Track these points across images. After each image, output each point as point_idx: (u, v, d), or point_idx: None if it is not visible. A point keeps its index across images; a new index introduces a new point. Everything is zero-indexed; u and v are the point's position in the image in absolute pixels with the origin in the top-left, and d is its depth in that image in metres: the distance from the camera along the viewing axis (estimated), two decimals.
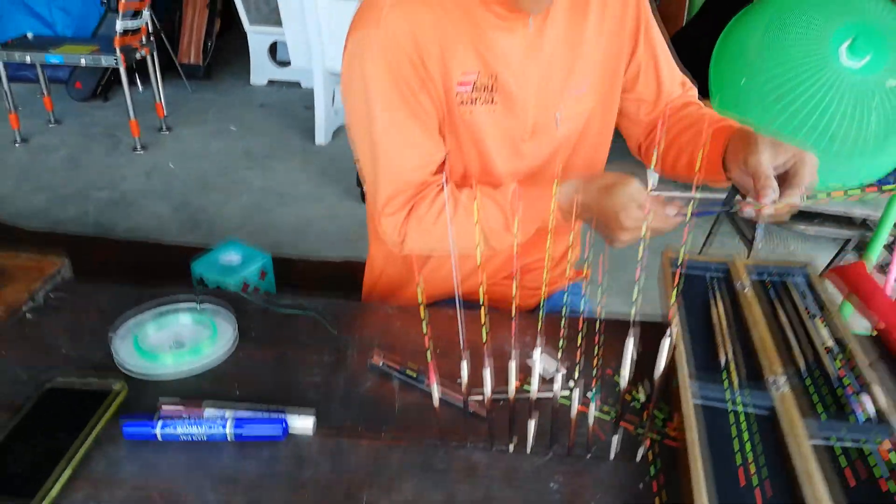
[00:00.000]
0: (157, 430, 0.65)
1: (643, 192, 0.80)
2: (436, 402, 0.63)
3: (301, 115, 4.00)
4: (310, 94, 4.06)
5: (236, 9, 4.29)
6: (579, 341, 0.63)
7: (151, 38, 3.47)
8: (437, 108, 0.88)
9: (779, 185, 0.75)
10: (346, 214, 2.96)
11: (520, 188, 0.88)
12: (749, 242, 2.30)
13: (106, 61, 3.24)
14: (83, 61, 3.24)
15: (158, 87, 3.59)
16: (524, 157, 0.95)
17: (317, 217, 2.92)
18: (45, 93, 3.59)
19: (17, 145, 3.42)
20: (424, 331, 0.60)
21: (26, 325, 0.84)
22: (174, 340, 0.80)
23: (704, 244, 2.55)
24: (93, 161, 3.30)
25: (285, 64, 4.48)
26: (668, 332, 0.59)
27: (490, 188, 0.91)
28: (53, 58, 3.23)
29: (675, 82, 1.04)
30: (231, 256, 1.40)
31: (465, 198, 0.90)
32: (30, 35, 3.49)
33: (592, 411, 0.63)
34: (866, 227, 2.42)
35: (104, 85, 4.02)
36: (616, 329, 0.76)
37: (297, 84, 4.48)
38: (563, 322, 0.62)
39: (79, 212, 2.82)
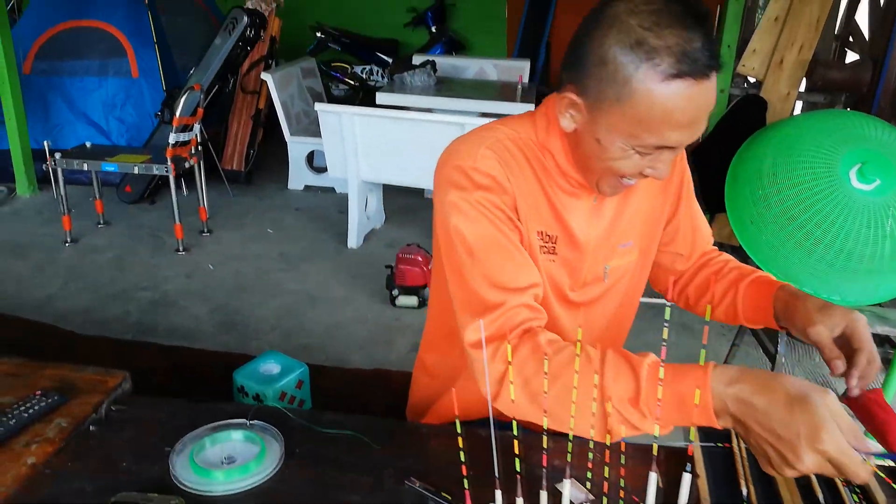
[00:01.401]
0: None
1: (845, 413, 0.68)
2: None
3: (334, 218, 4.18)
4: (343, 199, 4.26)
5: (278, 120, 4.60)
6: (606, 472, 0.68)
7: (199, 149, 3.72)
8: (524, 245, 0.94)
9: (840, 347, 0.86)
10: (374, 317, 3.04)
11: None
12: (772, 356, 2.31)
13: (157, 170, 3.48)
14: (136, 169, 3.48)
15: (202, 192, 3.81)
16: (571, 304, 1.03)
17: (346, 320, 3.01)
18: (98, 196, 3.83)
19: (66, 245, 3.62)
20: (462, 459, 0.66)
21: (90, 437, 0.91)
22: (226, 456, 0.87)
23: (727, 357, 2.57)
24: (137, 261, 3.47)
25: (321, 170, 4.74)
26: (688, 467, 0.65)
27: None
28: (109, 166, 3.48)
29: (709, 238, 1.18)
30: (270, 367, 1.48)
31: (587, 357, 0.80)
32: (88, 144, 3.77)
33: None
34: (890, 342, 2.43)
35: (152, 189, 4.28)
36: (641, 456, 0.81)
37: (332, 189, 4.70)
38: (590, 455, 0.68)
39: (121, 311, 2.95)
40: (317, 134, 4.67)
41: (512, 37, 7.40)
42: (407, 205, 4.39)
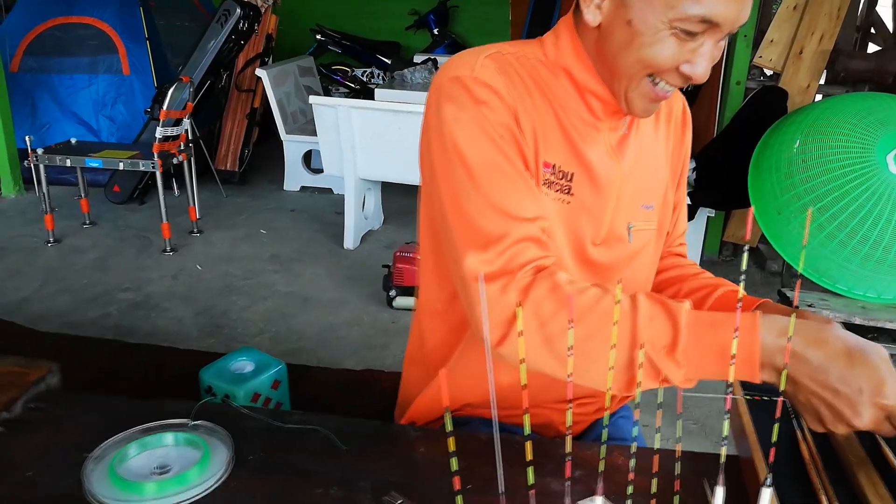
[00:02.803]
0: None
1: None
2: None
3: (331, 219, 4.01)
4: (341, 200, 4.09)
5: (274, 119, 4.44)
6: (654, 486, 0.49)
7: (190, 145, 3.56)
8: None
9: None
10: (370, 320, 2.86)
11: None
12: None
13: (144, 166, 3.31)
14: (121, 165, 3.31)
15: (193, 192, 3.65)
16: (590, 263, 0.87)
17: (340, 323, 2.83)
18: (83, 195, 3.67)
19: (49, 245, 3.45)
20: (454, 467, 0.48)
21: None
22: (158, 465, 0.69)
23: None
24: (121, 262, 3.29)
25: (318, 171, 4.57)
26: (766, 480, 0.46)
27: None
28: (93, 161, 3.31)
29: (685, 226, 1.06)
30: (243, 364, 1.29)
31: (609, 299, 0.70)
32: (73, 140, 3.61)
33: None
34: None
35: (142, 189, 4.11)
36: (674, 462, 0.62)
37: (329, 190, 4.54)
38: (631, 465, 0.49)
39: (100, 314, 2.77)
40: (314, 133, 4.51)
41: (516, 39, 7.27)
42: (407, 206, 4.21)
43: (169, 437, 0.71)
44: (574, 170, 0.83)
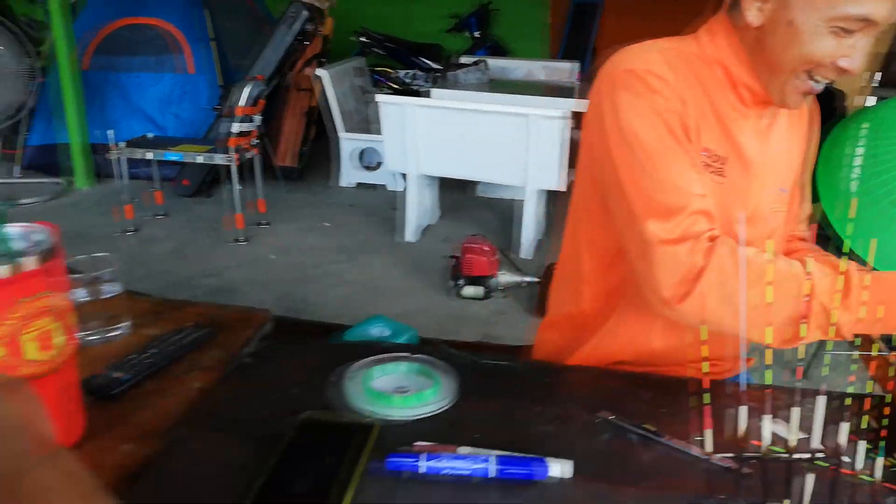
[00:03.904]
0: (422, 464, 0.65)
1: None
2: (708, 447, 0.62)
3: (387, 214, 4.15)
4: (393, 196, 4.24)
5: (331, 118, 4.60)
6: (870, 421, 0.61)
7: (260, 140, 3.73)
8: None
9: None
10: (438, 309, 2.99)
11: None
12: None
13: (219, 159, 3.48)
14: (200, 159, 3.49)
15: (260, 184, 3.81)
16: (735, 239, 0.98)
17: (411, 310, 2.95)
18: (158, 187, 3.84)
19: (127, 234, 3.63)
20: (706, 394, 0.60)
21: (248, 367, 0.87)
22: (396, 386, 0.82)
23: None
24: (198, 251, 3.46)
25: (372, 168, 4.72)
26: None
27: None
28: (172, 155, 3.49)
29: (809, 209, 1.15)
30: (381, 329, 1.42)
31: (783, 261, 0.81)
32: (149, 135, 3.80)
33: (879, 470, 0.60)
34: None
35: (207, 183, 4.29)
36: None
37: (383, 186, 4.68)
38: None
39: (188, 297, 2.93)
40: (368, 131, 4.67)
41: (555, 42, 7.37)
42: (459, 201, 4.34)
43: (403, 366, 0.84)
44: (727, 154, 0.93)
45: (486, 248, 3.02)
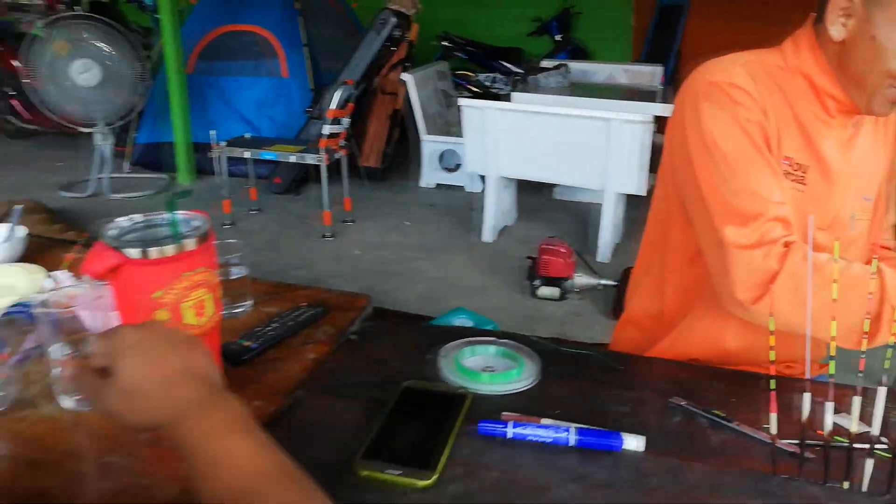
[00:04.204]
0: (509, 430, 0.74)
1: None
2: (773, 428, 0.68)
3: (465, 215, 4.25)
4: (473, 197, 4.35)
5: (413, 121, 4.75)
6: None
7: (348, 142, 3.91)
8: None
9: None
10: (515, 307, 3.07)
11: None
12: None
13: (310, 159, 3.68)
14: (293, 158, 3.70)
15: (346, 184, 4.00)
16: (814, 246, 1.01)
17: (488, 308, 3.03)
18: (252, 184, 4.10)
19: (224, 227, 3.89)
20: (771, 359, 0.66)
21: (355, 343, 0.98)
22: (486, 366, 0.91)
23: None
24: (289, 244, 3.68)
25: (451, 170, 4.85)
26: None
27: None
28: (268, 154, 3.72)
29: (894, 217, 1.15)
30: (464, 321, 1.52)
31: (858, 267, 0.86)
32: (247, 136, 4.06)
33: None
34: None
35: (297, 181, 4.53)
36: None
37: (461, 188, 4.79)
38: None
39: None
40: (449, 134, 4.79)
41: (638, 45, 7.28)
42: (536, 204, 4.40)
43: (491, 348, 0.94)
44: (809, 162, 0.97)
45: (563, 250, 3.07)
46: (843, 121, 0.98)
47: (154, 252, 0.71)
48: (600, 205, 3.56)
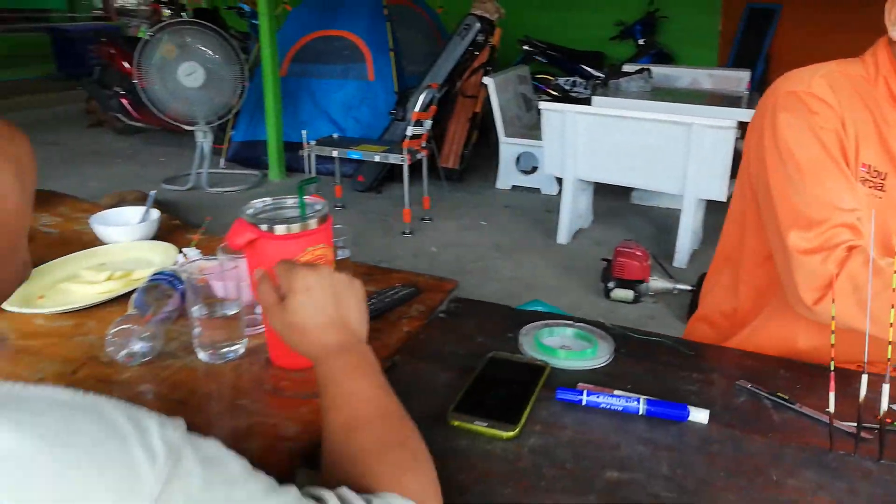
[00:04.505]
0: (584, 397, 0.82)
1: None
2: (831, 406, 0.74)
3: (541, 217, 4.32)
4: (549, 199, 4.40)
5: (492, 123, 4.86)
6: None
7: (430, 143, 4.06)
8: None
9: None
10: (589, 308, 3.11)
11: None
12: None
13: (393, 159, 3.85)
14: (377, 158, 3.88)
15: (426, 183, 4.14)
16: (892, 252, 1.03)
17: (561, 307, 3.09)
18: (338, 182, 4.31)
19: None
20: (832, 343, 0.72)
21: (444, 321, 1.09)
22: (563, 345, 1.00)
23: None
24: (371, 240, 3.86)
25: (528, 172, 4.92)
26: None
27: None
28: (354, 154, 3.91)
29: None
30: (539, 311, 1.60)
31: None
32: (335, 136, 4.27)
33: None
34: None
35: (379, 180, 4.72)
36: None
37: (538, 190, 4.86)
38: None
39: None
40: (527, 136, 4.87)
41: (725, 49, 7.12)
42: (613, 207, 4.41)
43: (569, 330, 1.02)
44: (888, 170, 1.00)
45: (639, 253, 3.10)
46: None
47: (284, 229, 0.84)
48: (679, 210, 3.55)
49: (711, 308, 1.30)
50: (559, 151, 3.76)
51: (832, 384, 0.74)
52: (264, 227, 0.84)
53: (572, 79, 7.21)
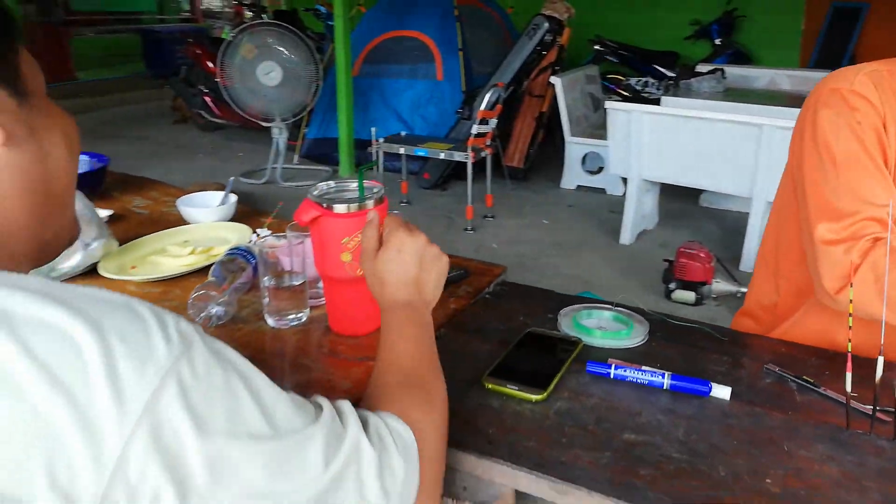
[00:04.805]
0: (612, 371, 0.88)
1: None
2: (848, 386, 0.77)
3: (605, 217, 4.32)
4: (614, 200, 4.39)
5: (558, 123, 4.88)
6: None
7: (495, 141, 4.13)
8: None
9: None
10: (649, 308, 3.10)
11: None
12: None
13: (458, 157, 3.94)
14: (442, 155, 3.99)
15: (489, 181, 4.22)
16: None
17: None
18: (404, 178, 4.45)
19: None
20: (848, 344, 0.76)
21: (489, 301, 1.17)
22: (600, 326, 1.06)
23: None
24: (433, 236, 3.88)
25: (593, 172, 4.92)
26: None
27: None
28: (420, 151, 4.03)
29: None
30: None
31: None
32: (402, 133, 4.40)
33: None
34: None
35: (444, 178, 4.83)
36: None
37: (603, 190, 4.85)
38: None
39: None
40: (594, 136, 4.87)
41: (807, 49, 6.87)
42: (680, 209, 4.36)
43: (606, 313, 1.08)
44: None
45: (703, 255, 3.07)
46: None
47: (344, 208, 0.93)
48: (748, 214, 3.49)
49: (754, 302, 1.32)
50: (624, 151, 3.76)
51: (849, 365, 0.77)
52: (326, 206, 0.94)
53: (644, 79, 7.11)
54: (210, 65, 5.91)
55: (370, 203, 0.95)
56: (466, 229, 4.01)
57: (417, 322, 0.78)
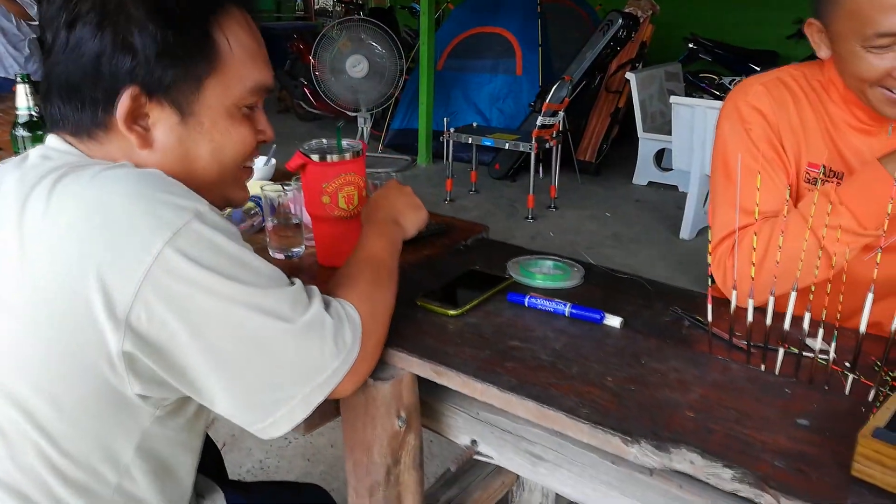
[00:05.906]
0: (526, 300, 1.05)
1: None
2: (709, 317, 0.90)
3: (671, 213, 4.32)
4: (684, 196, 4.37)
5: (632, 120, 4.90)
6: None
7: (560, 134, 4.25)
8: (787, 176, 1.10)
9: None
10: None
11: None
12: None
13: (523, 147, 4.09)
14: (507, 145, 4.15)
15: (555, 173, 4.33)
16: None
17: None
18: (474, 168, 4.65)
19: (445, 202, 4.49)
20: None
21: (460, 252, 1.35)
22: (542, 273, 1.22)
23: None
24: (495, 222, 4.14)
25: (666, 169, 4.90)
26: None
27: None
28: (487, 141, 4.22)
29: None
30: None
31: (795, 213, 1.01)
32: (474, 124, 4.60)
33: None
34: None
35: (515, 168, 4.98)
36: None
37: (675, 187, 4.83)
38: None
39: None
40: (668, 132, 4.85)
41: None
42: None
43: (550, 262, 1.24)
44: (843, 169, 1.07)
45: None
46: (879, 127, 1.06)
47: (323, 158, 1.15)
48: None
49: None
50: (688, 146, 3.77)
51: (709, 298, 0.90)
52: (311, 155, 1.16)
53: (738, 78, 6.91)
54: (311, 59, 6.36)
55: (347, 155, 1.17)
56: (527, 218, 4.15)
57: (389, 237, 1.02)
